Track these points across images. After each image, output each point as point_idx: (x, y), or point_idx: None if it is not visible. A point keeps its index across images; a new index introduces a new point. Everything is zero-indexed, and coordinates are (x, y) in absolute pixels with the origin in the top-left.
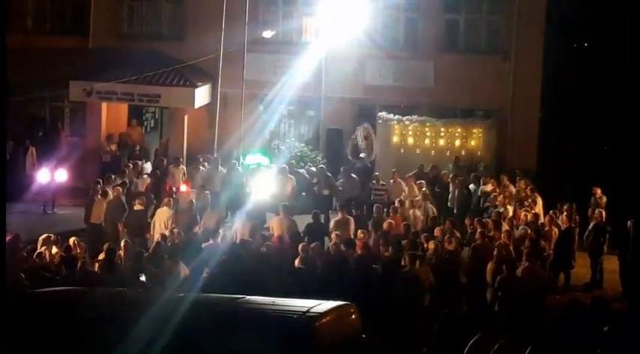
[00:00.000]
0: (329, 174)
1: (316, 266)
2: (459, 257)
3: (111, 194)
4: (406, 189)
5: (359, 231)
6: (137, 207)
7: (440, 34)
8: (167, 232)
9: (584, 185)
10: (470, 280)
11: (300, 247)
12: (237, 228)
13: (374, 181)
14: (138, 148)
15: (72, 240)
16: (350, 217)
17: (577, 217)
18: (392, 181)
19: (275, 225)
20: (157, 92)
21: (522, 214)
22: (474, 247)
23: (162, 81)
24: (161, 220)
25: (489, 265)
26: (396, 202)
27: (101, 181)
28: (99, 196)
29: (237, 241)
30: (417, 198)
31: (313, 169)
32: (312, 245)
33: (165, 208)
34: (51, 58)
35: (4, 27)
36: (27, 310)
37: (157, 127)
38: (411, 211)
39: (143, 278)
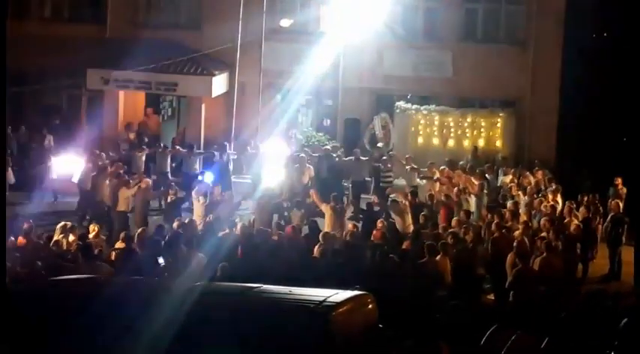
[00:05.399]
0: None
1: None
2: (475, 249)
3: (138, 184)
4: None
5: (378, 221)
6: (171, 198)
7: (459, 24)
8: (199, 220)
9: (603, 176)
10: (490, 272)
11: (321, 236)
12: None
13: (380, 165)
14: (146, 139)
15: (91, 227)
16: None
17: (599, 207)
18: (407, 167)
19: (327, 212)
20: (174, 81)
21: (540, 204)
22: (492, 239)
23: (179, 70)
24: (197, 210)
25: (509, 257)
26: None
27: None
28: (123, 186)
29: (254, 231)
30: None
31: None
32: (330, 234)
33: (200, 197)
34: (68, 46)
35: (4, 26)
36: (42, 298)
37: (174, 115)
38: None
39: (161, 261)
